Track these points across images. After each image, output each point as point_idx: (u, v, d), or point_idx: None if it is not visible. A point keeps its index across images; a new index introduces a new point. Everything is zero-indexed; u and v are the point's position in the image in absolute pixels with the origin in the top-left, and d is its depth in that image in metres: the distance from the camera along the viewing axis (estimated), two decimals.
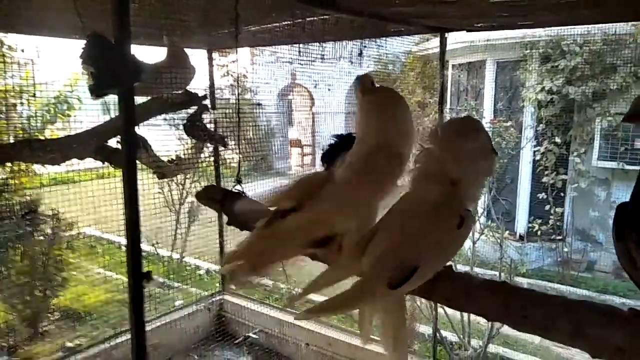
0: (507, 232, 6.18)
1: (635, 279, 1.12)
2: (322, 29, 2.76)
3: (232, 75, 3.41)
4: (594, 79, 6.11)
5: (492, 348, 4.38)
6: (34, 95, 3.40)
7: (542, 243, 6.80)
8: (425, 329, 4.22)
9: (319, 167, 1.54)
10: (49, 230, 4.04)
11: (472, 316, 4.38)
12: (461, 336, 4.36)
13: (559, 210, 6.62)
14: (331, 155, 1.47)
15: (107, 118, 2.74)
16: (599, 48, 6.03)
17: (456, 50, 6.69)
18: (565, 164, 6.66)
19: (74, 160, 2.74)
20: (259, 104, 4.36)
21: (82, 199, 3.29)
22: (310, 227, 1.24)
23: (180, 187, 5.69)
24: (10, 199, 3.51)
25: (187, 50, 2.76)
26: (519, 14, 2.67)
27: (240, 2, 2.00)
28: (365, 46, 3.16)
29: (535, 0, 2.22)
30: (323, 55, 3.28)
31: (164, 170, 2.87)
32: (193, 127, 2.81)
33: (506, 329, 4.39)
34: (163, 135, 3.16)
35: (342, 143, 1.50)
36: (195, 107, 2.85)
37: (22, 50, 3.60)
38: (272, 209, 1.35)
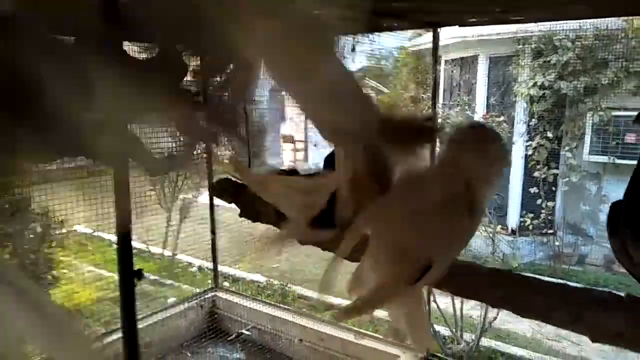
0: (499, 226, 6.22)
1: (635, 272, 1.14)
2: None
3: None
4: (586, 74, 6.14)
5: (485, 341, 4.41)
6: None
7: (534, 237, 6.85)
8: None
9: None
10: (39, 229, 4.00)
11: (465, 310, 4.41)
12: (454, 330, 4.38)
13: (550, 204, 6.66)
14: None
15: None
16: (591, 43, 6.05)
17: (449, 45, 6.69)
18: (556, 159, 6.69)
19: (65, 158, 2.70)
20: (251, 100, 4.32)
21: (73, 197, 3.26)
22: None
23: (172, 184, 5.65)
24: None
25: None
26: (511, 9, 2.67)
27: None
28: (358, 41, 3.14)
29: None
30: None
31: (155, 167, 2.84)
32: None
33: (498, 323, 4.42)
34: (154, 132, 3.13)
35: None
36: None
37: None
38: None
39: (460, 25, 3.42)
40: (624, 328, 1.01)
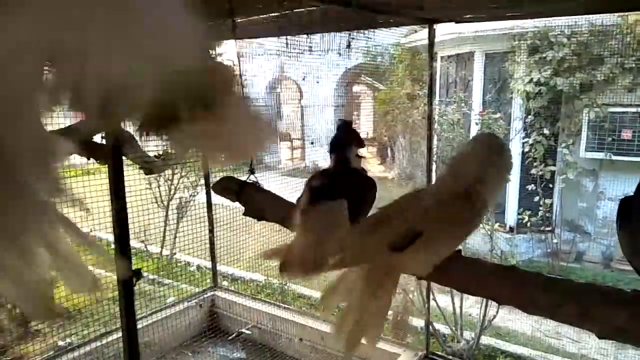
0: (497, 223, 6.21)
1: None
2: (310, 21, 2.73)
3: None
4: (581, 70, 6.14)
5: (485, 339, 4.42)
6: None
7: (532, 234, 6.85)
8: (418, 322, 4.24)
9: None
10: None
11: (464, 308, 4.41)
12: (453, 328, 4.38)
13: (548, 201, 6.67)
14: (338, 147, 1.50)
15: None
16: (586, 39, 6.06)
17: (445, 41, 6.69)
18: (553, 156, 6.70)
19: None
20: (246, 97, 4.31)
21: (68, 196, 3.23)
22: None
23: (168, 182, 5.64)
24: None
25: None
26: (507, 5, 2.67)
27: None
28: (353, 38, 3.14)
29: None
30: (311, 47, 3.25)
31: (151, 165, 2.83)
32: None
33: (498, 321, 4.43)
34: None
35: (344, 133, 1.52)
36: None
37: None
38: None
39: (456, 22, 3.41)
40: (630, 324, 1.01)
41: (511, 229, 7.03)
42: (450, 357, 4.03)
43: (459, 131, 6.14)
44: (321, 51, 3.38)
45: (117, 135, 1.41)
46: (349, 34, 3.14)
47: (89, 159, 2.51)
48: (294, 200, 1.52)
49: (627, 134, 6.16)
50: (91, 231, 4.50)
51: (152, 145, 2.92)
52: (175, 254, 6.00)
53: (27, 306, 0.83)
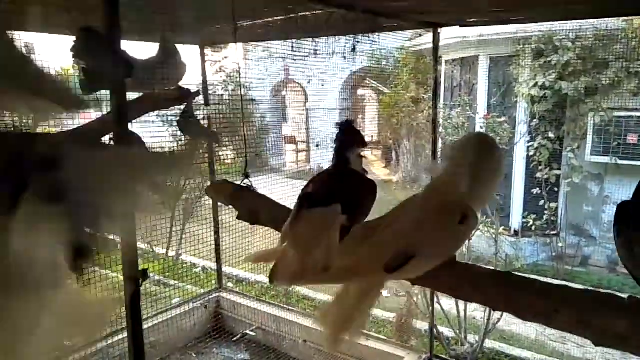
0: (502, 227, 6.20)
1: (637, 275, 1.13)
2: (315, 25, 2.75)
3: (224, 71, 3.40)
4: (586, 74, 6.14)
5: (489, 343, 4.40)
6: None
7: (537, 238, 6.83)
8: (422, 325, 4.23)
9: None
10: None
11: (469, 312, 4.40)
12: (458, 331, 4.38)
13: (553, 205, 6.65)
14: (340, 147, 1.48)
15: (100, 115, 2.71)
16: (591, 43, 6.06)
17: (449, 45, 6.70)
18: (558, 159, 6.68)
19: None
20: (252, 100, 4.35)
21: None
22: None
23: (175, 184, 5.66)
24: None
25: (178, 46, 2.75)
26: (511, 9, 2.68)
27: None
28: (358, 41, 3.15)
29: None
30: (316, 50, 3.27)
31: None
32: (187, 124, 2.79)
33: (502, 325, 4.41)
34: (156, 132, 3.14)
35: (346, 133, 1.50)
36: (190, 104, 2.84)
37: None
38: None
39: (460, 26, 3.43)
40: (629, 331, 1.00)
41: (516, 233, 7.02)
42: None
43: (463, 135, 6.14)
44: (326, 55, 3.39)
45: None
46: (354, 38, 3.15)
47: None
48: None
49: (632, 138, 6.14)
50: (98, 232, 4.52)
51: (159, 147, 2.96)
52: (181, 255, 6.03)
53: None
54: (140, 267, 1.41)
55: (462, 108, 6.48)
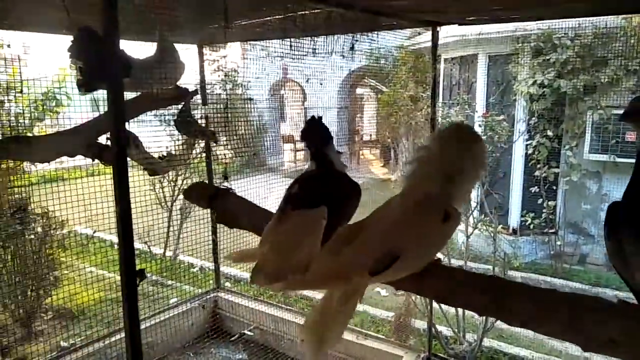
0: (500, 226, 6.20)
1: (626, 277, 1.12)
2: (314, 23, 2.74)
3: (222, 70, 3.39)
4: (585, 72, 6.13)
5: (487, 342, 4.41)
6: (21, 92, 3.35)
7: (535, 236, 6.84)
8: (421, 324, 4.23)
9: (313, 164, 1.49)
10: (39, 229, 3.99)
11: (467, 311, 4.40)
12: (456, 330, 4.38)
13: (551, 203, 6.65)
14: (317, 145, 1.44)
15: (97, 114, 2.70)
16: (590, 41, 6.05)
17: (448, 44, 6.69)
18: (557, 158, 6.68)
19: (64, 158, 2.71)
20: (250, 99, 4.33)
21: (73, 197, 3.25)
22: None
23: (172, 184, 5.65)
24: None
25: (176, 45, 2.73)
26: (510, 7, 2.67)
27: None
28: (357, 40, 3.14)
29: None
30: (315, 49, 3.26)
31: (155, 167, 2.84)
32: (184, 123, 2.78)
33: (501, 323, 4.41)
34: (153, 132, 3.13)
35: (321, 130, 1.46)
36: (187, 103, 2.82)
37: (9, 46, 3.54)
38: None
39: (459, 24, 3.42)
40: (619, 336, 0.97)
41: (514, 231, 7.02)
42: (453, 359, 4.03)
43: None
44: (325, 53, 3.37)
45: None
46: (353, 37, 3.14)
47: (93, 160, 2.52)
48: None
49: (631, 136, 6.15)
50: (94, 232, 4.53)
51: (156, 147, 2.95)
52: (178, 255, 6.02)
53: None
54: (138, 267, 1.40)
55: (460, 106, 6.48)
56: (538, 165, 6.60)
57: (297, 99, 9.63)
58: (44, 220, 4.00)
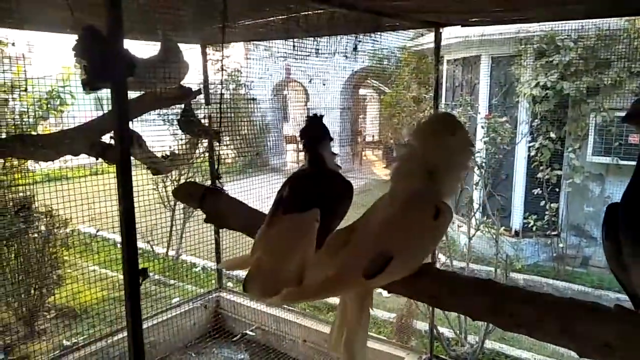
0: (503, 227, 6.19)
1: (623, 280, 1.11)
2: (317, 24, 2.74)
3: (225, 71, 3.40)
4: (588, 74, 6.12)
5: (489, 344, 4.40)
6: (25, 90, 3.36)
7: (537, 239, 6.83)
8: (422, 325, 4.23)
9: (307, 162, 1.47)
10: (43, 228, 4.01)
11: None
12: (458, 332, 4.37)
13: (554, 205, 6.64)
14: (312, 143, 1.41)
15: (100, 113, 2.71)
16: (593, 43, 6.04)
17: (451, 45, 6.68)
18: (560, 160, 6.67)
19: (68, 157, 2.72)
20: (253, 99, 4.34)
21: (76, 196, 3.26)
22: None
23: (175, 183, 5.66)
24: (3, 196, 3.48)
25: (180, 45, 2.74)
26: (513, 9, 2.67)
27: None
28: (360, 41, 3.14)
29: None
30: (318, 50, 3.26)
31: (158, 166, 2.85)
32: (187, 123, 2.79)
33: None
34: (157, 131, 3.14)
35: (318, 128, 1.43)
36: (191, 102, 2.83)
37: (13, 44, 3.56)
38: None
39: (462, 25, 3.42)
40: (615, 341, 0.96)
41: (517, 233, 7.01)
42: None
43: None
44: (328, 54, 3.38)
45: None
46: (356, 37, 3.14)
47: (97, 158, 2.53)
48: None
49: (634, 139, 6.13)
50: (98, 231, 4.54)
51: (159, 146, 2.96)
52: (180, 254, 6.03)
53: None
54: (140, 266, 1.40)
55: (463, 108, 6.46)
56: (541, 167, 6.59)
57: (299, 100, 9.64)
58: (48, 219, 4.01)
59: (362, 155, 12.70)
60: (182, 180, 5.62)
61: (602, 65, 6.07)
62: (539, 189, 6.70)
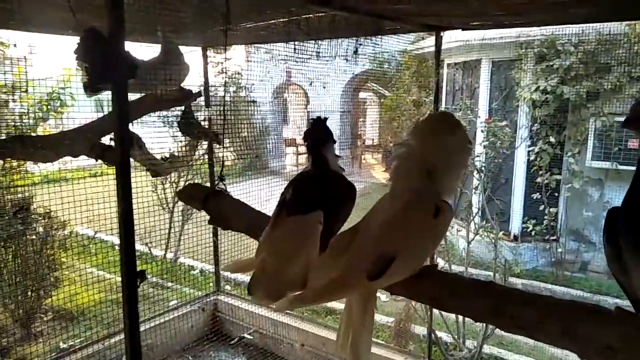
0: (502, 232, 6.19)
1: (625, 284, 1.11)
2: (318, 27, 2.74)
3: (226, 73, 3.40)
4: (588, 78, 6.13)
5: (487, 349, 4.39)
6: (26, 91, 3.36)
7: (536, 243, 6.82)
8: (421, 330, 4.22)
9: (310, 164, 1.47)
10: (41, 229, 3.99)
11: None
12: (456, 337, 4.36)
13: (552, 210, 6.64)
14: (316, 145, 1.41)
15: (100, 115, 2.71)
16: (594, 48, 6.04)
17: (451, 49, 6.69)
18: (559, 164, 6.67)
19: (67, 158, 2.71)
20: (253, 102, 4.34)
21: (75, 198, 3.25)
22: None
23: (174, 185, 5.66)
24: (1, 197, 3.47)
25: (180, 47, 2.74)
26: (514, 13, 2.67)
27: None
28: (361, 44, 3.15)
29: None
30: (318, 53, 3.27)
31: (157, 168, 2.84)
32: (187, 125, 2.78)
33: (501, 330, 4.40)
34: (157, 133, 3.13)
35: (321, 130, 1.43)
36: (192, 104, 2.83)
37: (15, 46, 3.56)
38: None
39: (463, 29, 3.42)
40: (616, 342, 0.96)
41: (515, 238, 7.00)
42: None
43: None
44: (328, 57, 3.38)
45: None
46: (357, 40, 3.15)
47: (97, 160, 2.53)
48: None
49: (633, 144, 6.13)
50: (96, 233, 4.53)
51: (159, 148, 2.95)
52: (179, 257, 6.01)
53: None
54: (138, 269, 1.40)
55: (463, 112, 6.46)
56: (540, 172, 6.59)
57: (300, 103, 9.64)
58: (46, 221, 4.00)
59: (362, 158, 12.71)
60: (182, 183, 5.61)
61: (602, 70, 6.08)
62: (538, 193, 6.70)
